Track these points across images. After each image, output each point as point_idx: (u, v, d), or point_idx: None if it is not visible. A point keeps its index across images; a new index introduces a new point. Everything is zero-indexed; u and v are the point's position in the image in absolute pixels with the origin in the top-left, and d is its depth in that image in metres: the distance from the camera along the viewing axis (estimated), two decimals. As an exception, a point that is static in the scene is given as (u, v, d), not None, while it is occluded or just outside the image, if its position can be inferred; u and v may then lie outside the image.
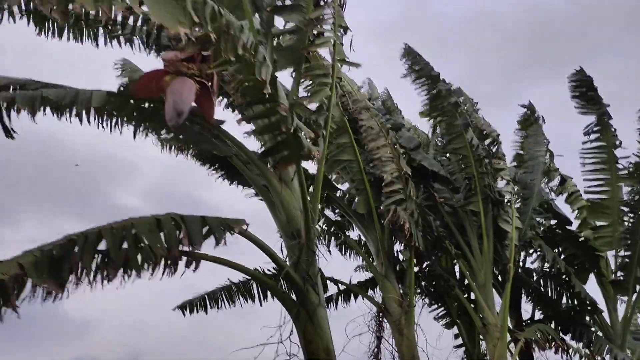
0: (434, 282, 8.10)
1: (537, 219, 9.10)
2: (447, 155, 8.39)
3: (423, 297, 8.17)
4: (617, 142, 8.34)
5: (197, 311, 7.75)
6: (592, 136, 8.49)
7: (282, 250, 5.13)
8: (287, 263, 5.02)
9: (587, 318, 8.53)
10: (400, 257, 7.58)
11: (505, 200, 7.66)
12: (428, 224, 7.66)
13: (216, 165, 6.46)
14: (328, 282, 7.65)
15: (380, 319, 7.10)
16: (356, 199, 7.46)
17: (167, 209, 4.39)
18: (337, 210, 8.42)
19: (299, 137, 4.39)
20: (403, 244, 7.17)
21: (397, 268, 7.42)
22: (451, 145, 7.96)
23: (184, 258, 4.53)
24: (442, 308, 8.34)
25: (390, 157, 7.04)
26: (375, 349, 7.09)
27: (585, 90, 8.53)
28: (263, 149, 4.92)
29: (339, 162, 7.36)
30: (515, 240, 7.44)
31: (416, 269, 8.05)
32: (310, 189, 5.43)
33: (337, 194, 8.03)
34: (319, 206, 7.02)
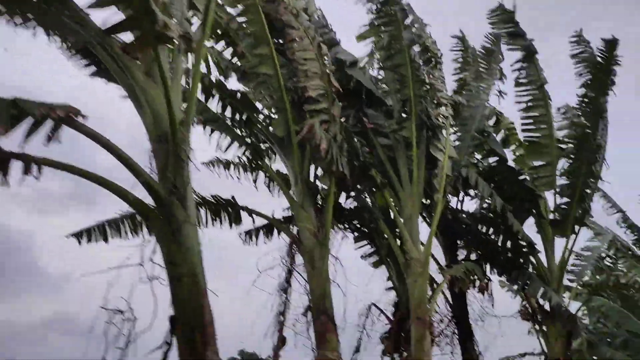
0: (359, 216, 7.37)
1: (477, 157, 8.46)
2: (385, 75, 7.44)
3: (344, 230, 7.40)
4: (545, 78, 7.64)
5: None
6: (521, 73, 7.76)
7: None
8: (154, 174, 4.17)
9: (524, 260, 8.00)
10: (323, 187, 6.80)
11: (441, 128, 6.87)
12: (355, 151, 6.85)
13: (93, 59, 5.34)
14: (242, 212, 6.88)
15: (293, 252, 6.38)
16: (274, 119, 6.60)
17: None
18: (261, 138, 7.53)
19: (149, 6, 3.43)
20: (323, 170, 6.38)
21: (318, 198, 6.64)
22: (391, 61, 6.99)
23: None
24: (370, 246, 7.68)
25: (317, 72, 6.15)
26: (285, 284, 6.42)
27: (507, 26, 7.75)
28: (110, 26, 3.92)
29: (257, 76, 6.45)
30: (448, 171, 6.71)
31: (344, 204, 7.35)
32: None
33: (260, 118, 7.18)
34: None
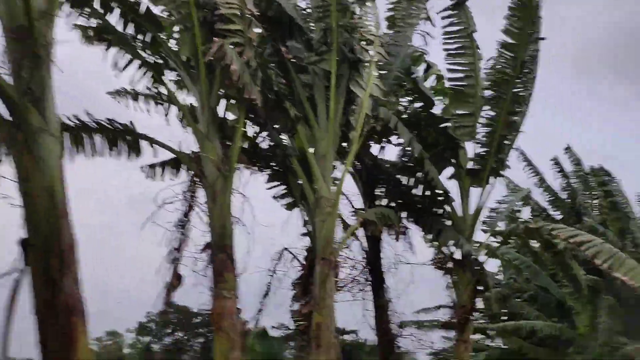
0: (273, 154, 6.93)
1: (404, 103, 8.17)
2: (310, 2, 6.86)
3: (257, 168, 6.92)
4: (474, 27, 7.34)
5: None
6: (450, 20, 7.42)
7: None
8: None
9: (439, 208, 7.92)
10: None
11: (364, 64, 6.46)
12: (269, 81, 6.33)
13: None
14: (141, 140, 6.25)
15: (195, 185, 5.88)
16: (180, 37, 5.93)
17: None
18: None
19: None
20: (233, 98, 5.86)
21: (225, 130, 6.11)
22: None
23: None
24: (284, 186, 7.29)
25: (233, -12, 5.51)
26: (183, 218, 5.95)
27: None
28: None
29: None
30: (368, 110, 6.36)
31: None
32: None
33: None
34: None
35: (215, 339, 5.15)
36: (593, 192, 12.82)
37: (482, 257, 8.08)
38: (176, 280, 5.72)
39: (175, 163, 6.98)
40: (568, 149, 13.74)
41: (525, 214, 13.35)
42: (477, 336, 14.30)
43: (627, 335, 11.22)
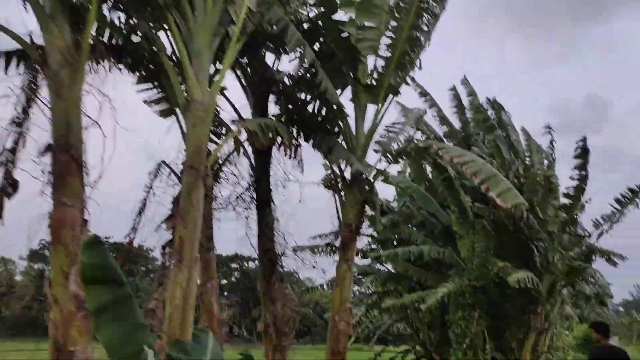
0: (143, 51, 5.96)
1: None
2: None
3: (124, 67, 5.96)
4: None
5: None
6: None
7: None
8: None
9: (333, 125, 7.47)
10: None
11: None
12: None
13: None
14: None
15: (35, 73, 4.87)
16: None
17: None
18: None
19: None
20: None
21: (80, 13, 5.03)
22: None
23: None
24: (157, 90, 6.41)
25: None
26: (21, 115, 4.96)
27: None
28: None
29: None
30: (252, 5, 5.53)
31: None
32: None
33: None
34: None
35: (53, 251, 4.39)
36: (484, 124, 13.07)
37: (380, 185, 7.84)
38: (10, 187, 4.81)
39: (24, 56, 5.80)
40: (464, 81, 13.81)
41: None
42: (367, 261, 14.69)
43: (499, 256, 11.92)
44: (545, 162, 13.02)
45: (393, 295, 14.15)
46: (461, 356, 11.57)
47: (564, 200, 12.11)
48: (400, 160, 6.86)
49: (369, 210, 7.68)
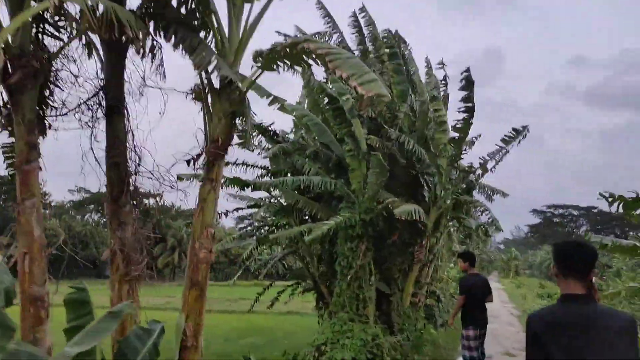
0: None
1: None
2: None
3: None
4: None
5: None
6: None
7: None
8: None
9: (201, 22, 6.25)
10: None
11: None
12: None
13: None
14: None
15: None
16: None
17: None
18: None
19: None
20: None
21: None
22: None
23: None
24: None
25: None
26: None
27: None
28: None
29: None
30: None
31: None
32: None
33: None
34: None
35: None
36: (384, 51, 12.38)
37: (278, 117, 6.76)
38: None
39: None
40: (362, 9, 12.92)
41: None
42: (263, 194, 13.89)
43: (390, 190, 11.63)
44: (439, 96, 12.72)
45: (284, 228, 13.59)
46: (345, 287, 11.33)
47: (453, 134, 11.95)
48: (274, 66, 5.83)
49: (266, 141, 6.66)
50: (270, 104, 12.88)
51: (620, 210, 6.50)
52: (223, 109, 6.05)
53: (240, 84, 6.05)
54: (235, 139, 6.79)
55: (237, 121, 6.33)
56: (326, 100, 11.69)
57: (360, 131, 11.38)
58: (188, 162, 5.90)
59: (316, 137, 12.70)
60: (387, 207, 11.01)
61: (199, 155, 6.00)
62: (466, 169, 12.50)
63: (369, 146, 11.85)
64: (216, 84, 6.23)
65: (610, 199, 6.29)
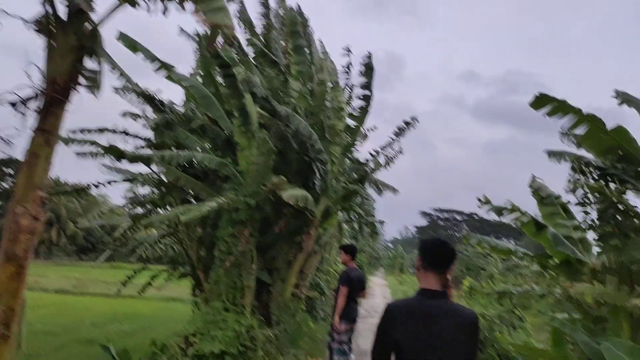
0: None
1: None
2: None
3: None
4: None
5: None
6: None
7: None
8: None
9: None
10: None
11: None
12: None
13: None
14: None
15: None
16: None
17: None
18: None
19: None
20: None
21: None
22: None
23: None
24: None
25: None
26: None
27: None
28: None
29: None
30: None
31: None
32: None
33: None
34: None
35: None
36: (289, 29, 11.59)
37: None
38: None
39: None
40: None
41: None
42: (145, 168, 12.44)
43: (281, 174, 10.88)
44: (340, 82, 12.21)
45: (165, 208, 12.30)
46: (223, 274, 10.37)
47: (349, 123, 11.49)
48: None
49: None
50: (158, 70, 11.58)
51: (496, 217, 7.19)
52: (68, 44, 4.83)
53: (91, 16, 4.88)
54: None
55: (89, 63, 5.11)
56: (219, 69, 10.60)
57: (252, 107, 10.46)
58: (14, 104, 4.61)
59: (205, 111, 11.56)
60: (276, 192, 10.25)
61: (30, 98, 4.73)
62: (359, 159, 12.10)
63: (262, 125, 11.00)
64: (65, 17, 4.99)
65: (483, 202, 6.99)
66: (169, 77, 11.46)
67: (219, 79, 11.51)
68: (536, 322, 21.80)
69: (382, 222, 12.79)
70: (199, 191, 11.14)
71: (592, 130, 6.99)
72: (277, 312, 11.41)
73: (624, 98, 7.20)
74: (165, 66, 11.34)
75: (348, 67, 12.35)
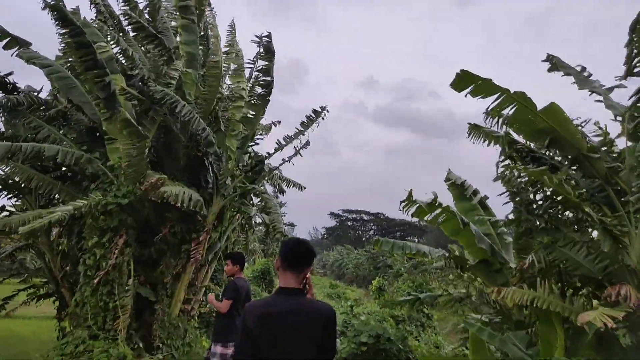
0: None
1: None
2: None
3: None
4: None
5: None
6: None
7: None
8: None
9: None
10: None
11: None
12: None
13: None
14: None
15: None
16: None
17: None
18: None
19: None
20: None
21: None
22: None
23: None
24: None
25: None
26: None
27: None
28: None
29: None
30: None
31: None
32: None
33: None
34: None
35: None
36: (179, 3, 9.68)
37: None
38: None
39: None
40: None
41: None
42: None
43: (164, 172, 8.94)
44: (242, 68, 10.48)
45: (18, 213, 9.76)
46: (89, 294, 8.23)
47: (247, 112, 9.82)
48: None
49: None
50: (7, 47, 9.23)
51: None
52: None
53: None
54: None
55: None
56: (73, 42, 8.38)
57: (119, 86, 8.41)
58: None
59: (68, 96, 9.27)
60: (156, 191, 8.31)
61: None
62: (259, 153, 10.46)
63: (137, 112, 8.99)
64: None
65: (406, 203, 6.28)
66: (19, 56, 9.04)
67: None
68: (442, 316, 21.59)
69: (292, 225, 11.11)
70: (58, 193, 8.85)
71: (521, 110, 5.97)
72: (162, 334, 9.40)
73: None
74: (17, 42, 8.94)
75: (256, 58, 10.63)
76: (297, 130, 10.14)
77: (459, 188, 7.61)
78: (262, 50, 9.43)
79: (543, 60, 6.87)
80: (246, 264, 21.71)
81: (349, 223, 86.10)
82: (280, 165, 10.60)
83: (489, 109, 6.13)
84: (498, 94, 5.98)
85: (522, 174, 6.43)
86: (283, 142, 10.17)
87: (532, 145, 6.59)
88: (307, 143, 10.47)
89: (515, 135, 6.94)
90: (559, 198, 5.79)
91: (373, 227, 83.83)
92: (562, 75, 6.61)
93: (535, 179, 5.78)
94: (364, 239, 77.94)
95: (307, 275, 2.74)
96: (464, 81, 6.00)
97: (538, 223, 6.59)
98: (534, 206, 6.74)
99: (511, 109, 6.05)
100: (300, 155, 10.04)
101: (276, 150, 10.22)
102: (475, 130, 7.28)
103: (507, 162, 6.43)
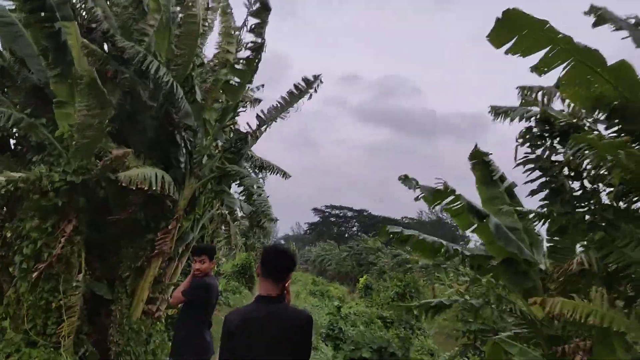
0: None
1: None
2: None
3: None
4: None
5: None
6: None
7: None
8: None
9: None
10: None
11: None
12: None
13: None
14: None
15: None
16: None
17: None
18: None
19: None
20: None
21: None
22: None
23: None
24: None
25: None
26: None
27: None
28: None
29: None
30: None
31: None
32: None
33: None
34: None
35: None
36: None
37: None
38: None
39: None
40: None
41: None
42: None
43: (131, 146, 7.39)
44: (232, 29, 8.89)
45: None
46: (26, 290, 6.64)
47: (231, 78, 8.27)
48: None
49: None
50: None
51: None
52: None
53: None
54: None
55: None
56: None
57: (77, 43, 6.80)
58: None
59: (10, 46, 7.61)
60: (114, 167, 6.77)
61: None
62: (239, 129, 8.91)
63: (100, 74, 7.37)
64: None
65: (409, 183, 5.53)
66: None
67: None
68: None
69: (275, 220, 9.57)
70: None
71: (577, 68, 4.56)
72: (121, 340, 7.82)
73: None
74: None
75: (244, 25, 9.01)
76: (282, 103, 8.61)
77: (484, 169, 6.22)
78: (253, 5, 7.84)
79: (585, 13, 5.44)
80: (224, 259, 20.03)
81: (332, 219, 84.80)
82: (258, 128, 8.87)
83: (536, 67, 4.72)
84: (549, 46, 4.57)
85: (567, 150, 5.05)
86: (267, 115, 8.64)
87: (582, 115, 5.22)
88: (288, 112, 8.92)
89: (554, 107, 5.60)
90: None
91: (356, 223, 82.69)
92: (613, 31, 5.20)
93: (601, 157, 4.37)
94: (347, 235, 76.75)
95: (287, 283, 2.72)
96: (509, 28, 4.56)
97: (586, 217, 5.24)
98: (575, 195, 5.39)
99: (565, 67, 4.65)
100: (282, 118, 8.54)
101: (259, 126, 8.69)
102: (495, 110, 5.96)
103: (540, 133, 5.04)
